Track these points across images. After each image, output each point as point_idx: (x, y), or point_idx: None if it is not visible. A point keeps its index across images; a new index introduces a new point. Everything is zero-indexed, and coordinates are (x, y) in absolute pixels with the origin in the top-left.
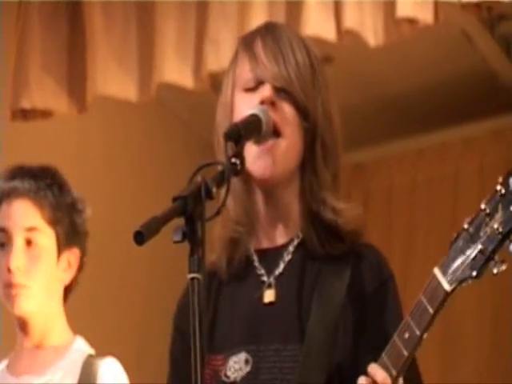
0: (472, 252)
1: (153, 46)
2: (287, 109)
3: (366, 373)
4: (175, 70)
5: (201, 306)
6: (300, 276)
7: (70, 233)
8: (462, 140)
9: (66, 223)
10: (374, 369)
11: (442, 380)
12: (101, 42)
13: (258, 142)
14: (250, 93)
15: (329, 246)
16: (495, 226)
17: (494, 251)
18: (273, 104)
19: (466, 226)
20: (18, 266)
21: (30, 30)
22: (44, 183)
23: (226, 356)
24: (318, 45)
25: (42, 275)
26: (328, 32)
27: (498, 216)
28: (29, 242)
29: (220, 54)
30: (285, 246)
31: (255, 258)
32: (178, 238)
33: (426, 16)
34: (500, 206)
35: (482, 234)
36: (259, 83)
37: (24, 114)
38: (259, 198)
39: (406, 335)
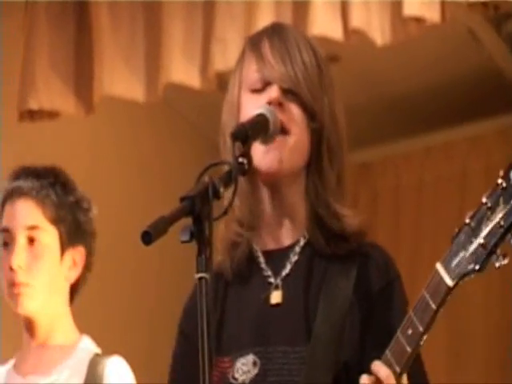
0: (474, 246)
1: (160, 46)
2: (294, 110)
3: (370, 371)
4: (182, 70)
5: (208, 306)
6: (307, 277)
7: (74, 231)
8: (469, 138)
9: (69, 221)
10: (377, 366)
11: (449, 377)
12: (108, 42)
13: (265, 141)
14: (257, 94)
15: (334, 246)
16: (497, 219)
17: (495, 245)
18: (280, 105)
19: (467, 221)
20: (20, 264)
21: (37, 31)
22: (47, 182)
23: (234, 358)
24: (324, 44)
25: (45, 273)
26: (335, 31)
27: (500, 210)
28: (31, 241)
29: (227, 53)
30: (291, 247)
31: (262, 259)
32: (185, 237)
33: (432, 15)
34: (501, 200)
35: (483, 227)
36: (266, 84)
37: (31, 115)
38: (265, 196)
39: (409, 331)
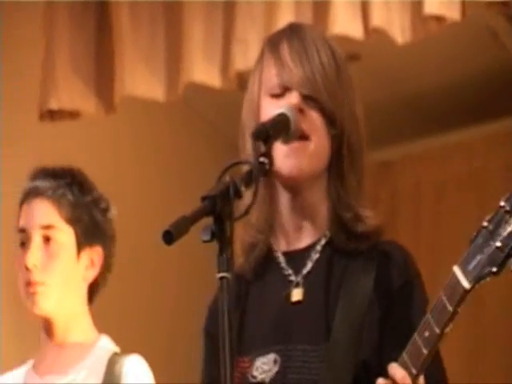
0: (491, 249)
1: (180, 46)
2: (315, 116)
3: (386, 373)
4: (203, 70)
5: (230, 305)
6: (327, 275)
7: (91, 231)
8: (489, 137)
9: (85, 221)
10: (394, 368)
11: (468, 377)
12: (128, 42)
13: (286, 142)
14: (277, 99)
15: (355, 242)
16: None
17: None
18: (300, 111)
19: (485, 224)
20: (35, 263)
21: (58, 31)
22: (63, 182)
23: (253, 357)
24: (344, 43)
25: (60, 272)
26: (355, 30)
27: None
28: (47, 240)
29: (247, 53)
30: (312, 246)
31: (281, 259)
32: (206, 237)
33: (452, 14)
34: None
35: (501, 231)
36: (286, 89)
37: (51, 115)
38: (284, 200)
39: (426, 333)
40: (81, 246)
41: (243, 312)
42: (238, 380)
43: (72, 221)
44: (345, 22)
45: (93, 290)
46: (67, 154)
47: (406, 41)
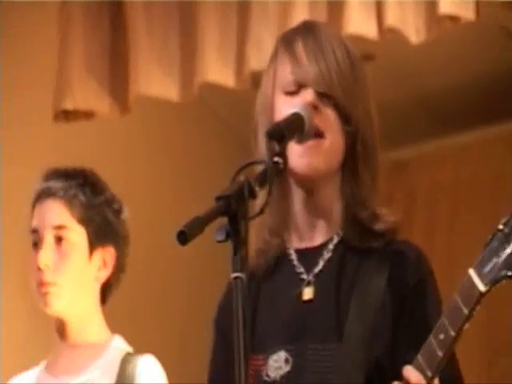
0: (507, 252)
1: (195, 46)
2: (330, 114)
3: (401, 376)
4: (217, 70)
5: (244, 305)
6: (339, 273)
7: (103, 231)
8: (505, 137)
9: (97, 221)
10: (408, 371)
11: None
12: (143, 42)
13: (301, 141)
14: (291, 96)
15: (368, 240)
16: None
17: None
18: (315, 108)
19: (501, 227)
20: (47, 264)
21: (72, 32)
22: (75, 183)
23: (267, 355)
24: (358, 42)
25: (72, 272)
26: (370, 30)
27: None
28: (59, 240)
29: (262, 53)
30: (324, 245)
31: (294, 256)
32: (221, 237)
33: (467, 13)
34: None
35: None
36: (300, 86)
37: (66, 115)
38: (298, 198)
39: (441, 336)
40: (93, 246)
41: (255, 309)
42: (251, 378)
43: (84, 221)
44: (359, 22)
45: (106, 290)
46: (80, 154)
47: (421, 40)
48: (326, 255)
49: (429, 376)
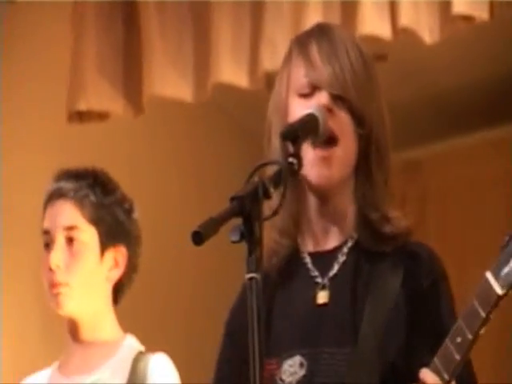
0: None
1: (208, 47)
2: (344, 117)
3: (416, 378)
4: (231, 71)
5: (259, 306)
6: (354, 277)
7: (114, 231)
8: None
9: (108, 221)
10: (425, 373)
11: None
12: (156, 43)
13: (315, 144)
14: (305, 98)
15: (381, 243)
16: None
17: None
18: (330, 111)
19: None
20: (58, 264)
21: (85, 32)
22: (86, 183)
23: (281, 359)
24: (371, 43)
25: (84, 272)
26: (384, 31)
27: None
28: (70, 241)
29: (275, 54)
30: (339, 248)
31: (308, 260)
32: (235, 238)
33: (481, 13)
34: None
35: None
36: (314, 89)
37: (80, 116)
38: (312, 203)
39: (459, 339)
40: (104, 246)
41: (269, 313)
42: (264, 381)
43: (95, 221)
44: (373, 23)
45: (118, 290)
46: (89, 155)
47: (434, 41)
48: (341, 259)
49: (446, 379)
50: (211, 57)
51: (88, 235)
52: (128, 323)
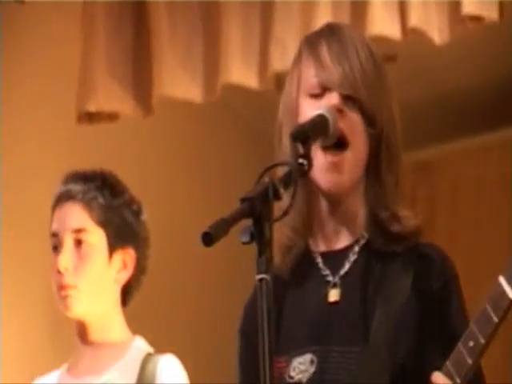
0: None
1: (218, 47)
2: (355, 117)
3: (427, 380)
4: (240, 71)
5: (270, 307)
6: (365, 276)
7: (122, 233)
8: None
9: (116, 223)
10: (437, 376)
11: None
12: (166, 43)
13: (326, 148)
14: (316, 99)
15: (392, 243)
16: None
17: None
18: (340, 112)
19: None
20: (67, 267)
21: (95, 32)
22: (94, 185)
23: (290, 357)
24: (380, 43)
25: (92, 274)
26: (393, 31)
27: None
28: (79, 243)
29: (285, 54)
30: (350, 247)
31: (319, 259)
32: (246, 238)
33: (490, 14)
34: None
35: None
36: (325, 89)
37: (89, 118)
38: (323, 204)
39: (471, 343)
40: (113, 248)
41: (280, 311)
42: (274, 380)
43: (103, 223)
44: (383, 23)
45: (126, 292)
46: (101, 156)
47: (444, 41)
48: (352, 257)
49: (458, 383)
50: (221, 57)
51: (96, 237)
52: (134, 324)
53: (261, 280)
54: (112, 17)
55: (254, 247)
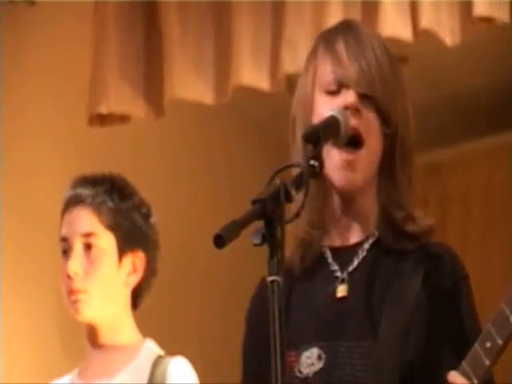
0: None
1: (229, 49)
2: (370, 116)
3: (446, 381)
4: (251, 73)
5: (281, 309)
6: (373, 273)
7: (132, 236)
8: None
9: (126, 226)
10: (454, 376)
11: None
12: (177, 45)
13: (340, 146)
14: (332, 96)
15: (403, 242)
16: None
17: None
18: (357, 110)
19: None
20: (76, 271)
21: (106, 35)
22: (103, 189)
23: (299, 352)
24: (392, 45)
25: (102, 278)
26: (404, 32)
27: None
28: (88, 247)
29: (296, 56)
30: (359, 244)
31: (329, 254)
32: (257, 240)
33: (502, 15)
34: None
35: None
36: (341, 86)
37: (101, 120)
38: (336, 202)
39: (488, 344)
40: (122, 251)
41: (288, 305)
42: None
43: (112, 227)
44: (394, 24)
45: (137, 295)
46: (110, 158)
47: (455, 42)
48: (361, 254)
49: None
50: (232, 59)
51: (106, 241)
52: (143, 327)
53: (272, 282)
54: (123, 18)
55: (261, 249)
